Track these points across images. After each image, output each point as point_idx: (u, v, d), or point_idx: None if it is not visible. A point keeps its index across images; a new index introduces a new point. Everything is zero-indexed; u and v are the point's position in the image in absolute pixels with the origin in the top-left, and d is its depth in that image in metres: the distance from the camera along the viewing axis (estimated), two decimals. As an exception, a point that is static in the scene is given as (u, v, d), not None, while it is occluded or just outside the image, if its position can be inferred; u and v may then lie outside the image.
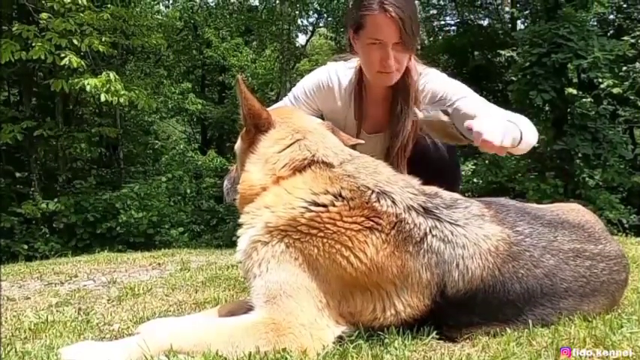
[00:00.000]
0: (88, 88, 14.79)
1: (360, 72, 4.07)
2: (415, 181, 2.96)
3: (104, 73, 15.38)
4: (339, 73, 4.17)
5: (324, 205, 2.71)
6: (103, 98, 15.03)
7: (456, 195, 3.01)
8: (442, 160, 4.08)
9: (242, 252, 2.81)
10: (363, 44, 3.78)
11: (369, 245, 2.61)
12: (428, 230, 2.69)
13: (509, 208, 2.99)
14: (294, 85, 4.38)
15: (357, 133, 4.06)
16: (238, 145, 3.24)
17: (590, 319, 2.81)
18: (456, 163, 4.31)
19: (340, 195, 2.73)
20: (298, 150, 2.94)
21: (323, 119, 3.78)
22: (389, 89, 4.00)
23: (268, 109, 3.18)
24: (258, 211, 2.84)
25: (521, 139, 3.24)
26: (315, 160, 2.90)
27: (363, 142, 3.68)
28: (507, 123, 3.08)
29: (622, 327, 2.71)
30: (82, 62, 14.60)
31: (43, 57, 14.30)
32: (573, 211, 3.25)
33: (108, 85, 14.90)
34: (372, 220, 2.66)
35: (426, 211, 2.75)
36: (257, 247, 2.72)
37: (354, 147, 3.32)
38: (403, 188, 2.82)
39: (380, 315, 2.67)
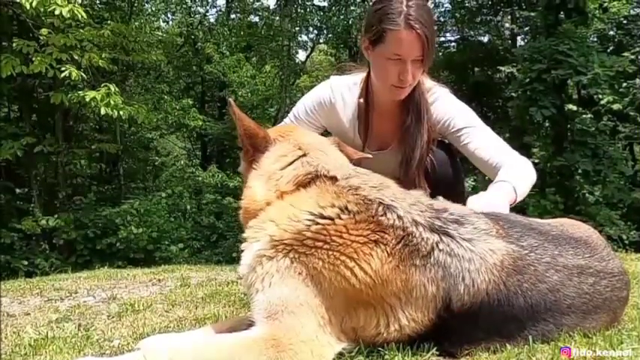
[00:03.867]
0: (87, 98, 14.78)
1: (366, 87, 4.06)
2: (424, 197, 2.95)
3: (103, 85, 15.37)
4: (343, 88, 4.14)
5: (331, 218, 2.69)
6: (102, 112, 15.04)
7: (465, 210, 3.01)
8: (446, 175, 4.07)
9: (246, 266, 2.78)
10: (381, 58, 3.75)
11: (374, 258, 2.59)
12: (435, 245, 2.67)
13: (516, 223, 2.98)
14: (294, 101, 4.37)
15: (362, 150, 3.98)
16: (241, 165, 3.24)
17: (590, 336, 2.80)
18: (460, 178, 4.29)
19: (346, 208, 2.71)
20: (301, 166, 2.92)
21: (326, 135, 3.76)
22: (397, 103, 3.97)
23: (272, 128, 3.19)
24: (263, 225, 2.81)
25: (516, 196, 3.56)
26: (319, 175, 2.89)
27: (370, 156, 3.63)
28: (497, 200, 3.38)
29: (622, 343, 2.70)
30: (82, 74, 14.61)
31: (43, 70, 14.33)
32: (575, 226, 3.25)
33: (107, 99, 14.90)
34: (378, 234, 2.65)
35: (433, 226, 2.73)
36: (262, 261, 2.70)
37: (359, 162, 3.32)
38: (411, 205, 2.80)
39: (384, 330, 2.65)
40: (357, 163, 3.22)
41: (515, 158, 3.84)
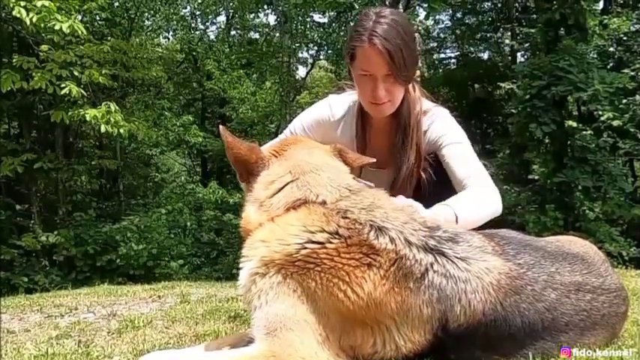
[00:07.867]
0: (87, 117, 14.78)
1: (361, 105, 4.05)
2: (417, 214, 2.95)
3: (104, 103, 15.38)
4: (342, 106, 4.13)
5: (321, 243, 2.68)
6: (103, 129, 15.02)
7: (458, 228, 3.00)
8: (441, 192, 4.04)
9: (242, 285, 2.80)
10: (356, 74, 3.76)
11: (367, 281, 2.58)
12: (429, 266, 2.66)
13: (511, 240, 2.97)
14: (294, 117, 4.33)
15: (359, 174, 3.95)
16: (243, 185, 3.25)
17: (590, 352, 2.80)
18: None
19: (337, 233, 2.70)
20: (290, 193, 2.91)
21: None
22: (390, 121, 3.95)
23: (270, 143, 3.18)
24: (255, 245, 2.82)
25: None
26: (307, 200, 2.88)
27: (374, 160, 3.60)
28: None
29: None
30: (82, 91, 14.61)
31: (43, 87, 14.32)
32: (572, 242, 3.24)
33: (108, 117, 14.90)
34: (371, 258, 2.64)
35: (427, 246, 2.72)
36: (255, 279, 2.71)
37: (360, 170, 3.31)
38: (404, 224, 2.79)
39: (380, 349, 2.65)
40: (359, 171, 3.23)
41: (481, 187, 3.72)
